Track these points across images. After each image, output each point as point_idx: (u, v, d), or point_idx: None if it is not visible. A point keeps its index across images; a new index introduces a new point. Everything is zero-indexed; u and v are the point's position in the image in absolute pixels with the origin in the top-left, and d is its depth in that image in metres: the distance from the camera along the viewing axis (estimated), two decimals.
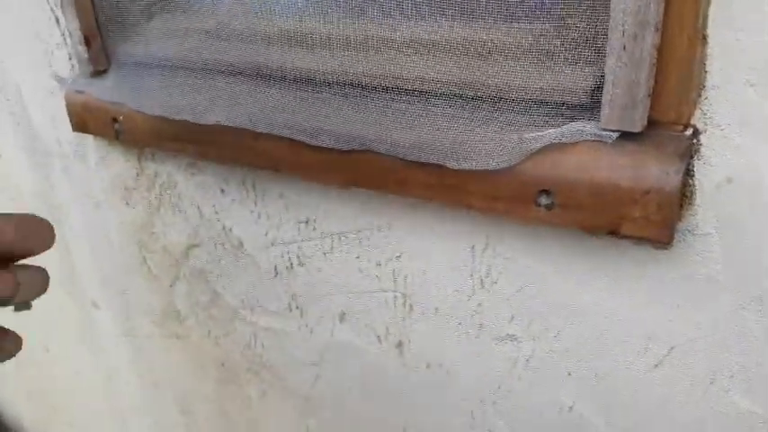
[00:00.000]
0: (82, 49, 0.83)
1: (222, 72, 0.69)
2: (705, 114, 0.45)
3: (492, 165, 0.50)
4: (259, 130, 0.62)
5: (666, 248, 0.49)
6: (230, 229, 0.81)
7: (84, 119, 0.86)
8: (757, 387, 0.49)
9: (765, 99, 0.42)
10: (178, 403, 1.06)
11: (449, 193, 0.54)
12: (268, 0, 0.64)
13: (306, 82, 0.63)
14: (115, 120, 0.80)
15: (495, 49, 0.53)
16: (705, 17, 0.43)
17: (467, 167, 0.51)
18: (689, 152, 0.45)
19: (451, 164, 0.52)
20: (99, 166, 0.94)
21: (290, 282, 0.77)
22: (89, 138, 0.93)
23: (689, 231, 0.48)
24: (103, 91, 0.81)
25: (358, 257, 0.68)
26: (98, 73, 0.84)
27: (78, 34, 0.82)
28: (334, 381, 0.79)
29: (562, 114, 0.50)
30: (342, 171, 0.60)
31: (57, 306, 1.20)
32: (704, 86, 0.45)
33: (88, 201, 1.00)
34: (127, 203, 0.93)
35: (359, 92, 0.59)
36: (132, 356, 1.11)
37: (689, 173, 0.46)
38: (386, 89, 0.58)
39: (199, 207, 0.83)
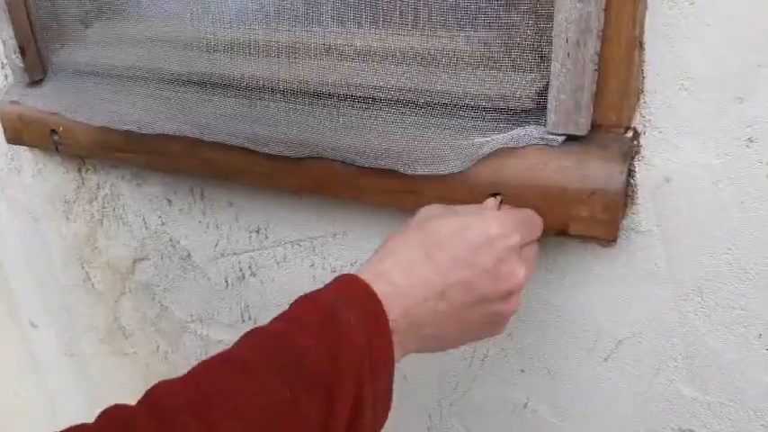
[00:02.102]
0: (16, 57, 0.79)
1: (167, 80, 0.68)
2: (644, 117, 0.47)
3: (445, 169, 0.51)
4: (207, 139, 0.61)
5: (611, 246, 0.51)
6: (178, 241, 0.79)
7: (18, 130, 0.82)
8: (699, 375, 0.51)
9: (699, 102, 0.45)
10: None
11: (403, 198, 0.55)
12: (213, 8, 0.63)
13: (254, 90, 0.62)
14: (54, 131, 0.78)
15: (442, 56, 0.54)
16: (642, 25, 0.45)
17: (421, 173, 0.52)
18: (630, 153, 0.48)
19: (405, 169, 0.52)
20: (36, 179, 0.90)
21: (241, 293, 0.76)
22: (24, 149, 0.89)
23: (632, 229, 0.50)
24: (40, 101, 0.78)
25: (313, 265, 0.68)
26: (34, 83, 0.81)
27: (12, 43, 0.79)
28: None
29: (510, 119, 0.51)
30: (294, 178, 0.60)
31: None
32: (642, 90, 0.47)
33: (25, 215, 0.96)
34: (67, 217, 0.90)
35: (308, 99, 0.60)
36: (77, 376, 1.07)
37: (630, 173, 0.48)
38: (336, 96, 0.58)
39: (144, 219, 0.81)
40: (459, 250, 0.42)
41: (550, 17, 0.48)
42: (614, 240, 0.48)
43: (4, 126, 0.83)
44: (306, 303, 0.41)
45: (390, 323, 0.40)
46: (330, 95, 0.58)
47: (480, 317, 0.44)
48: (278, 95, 0.61)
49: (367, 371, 0.38)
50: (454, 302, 0.42)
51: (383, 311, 0.40)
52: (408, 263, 0.42)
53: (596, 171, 0.47)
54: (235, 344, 0.39)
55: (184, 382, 0.37)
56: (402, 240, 0.44)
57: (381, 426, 0.41)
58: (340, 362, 0.37)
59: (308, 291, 0.68)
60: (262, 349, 0.38)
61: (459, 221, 0.44)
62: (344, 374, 0.37)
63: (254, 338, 0.40)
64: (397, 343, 0.40)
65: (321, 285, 0.67)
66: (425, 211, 0.47)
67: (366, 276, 0.42)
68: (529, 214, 0.48)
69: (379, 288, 0.41)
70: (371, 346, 0.39)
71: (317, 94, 0.59)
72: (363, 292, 0.41)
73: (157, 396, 0.36)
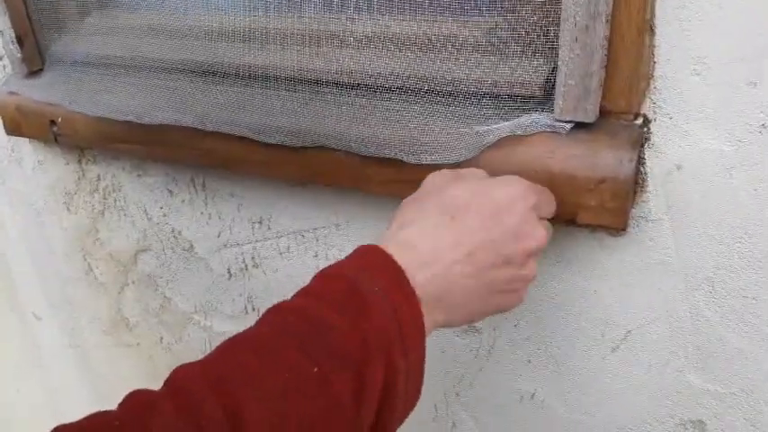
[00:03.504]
0: (14, 48, 0.78)
1: (167, 70, 0.67)
2: (654, 103, 0.46)
3: (450, 158, 0.50)
4: (208, 129, 0.61)
5: (621, 235, 0.50)
6: (180, 232, 0.78)
7: (17, 122, 0.81)
8: (710, 366, 0.50)
9: (711, 88, 0.44)
10: None
11: (407, 188, 0.54)
12: None
13: (255, 78, 0.61)
14: (53, 122, 0.77)
15: (447, 42, 0.53)
16: (652, 8, 0.44)
17: (425, 162, 0.51)
18: (640, 141, 0.47)
19: (410, 158, 0.51)
20: (36, 171, 0.90)
21: (245, 284, 0.75)
22: (24, 141, 0.88)
23: (642, 218, 0.49)
24: (39, 92, 0.77)
25: (316, 256, 0.67)
26: (32, 73, 0.80)
27: (10, 33, 0.78)
28: None
29: (516, 106, 0.50)
30: (296, 168, 0.59)
31: None
32: (652, 76, 0.46)
33: (26, 208, 0.95)
34: (68, 209, 0.89)
35: (310, 87, 0.58)
36: (79, 368, 1.07)
37: (640, 161, 0.47)
38: (338, 84, 0.57)
39: (146, 210, 0.80)
40: (484, 211, 0.42)
41: (557, 1, 0.46)
42: (624, 229, 0.47)
43: (2, 117, 0.83)
44: (326, 278, 0.40)
45: (417, 292, 0.39)
46: (333, 83, 0.57)
47: (504, 281, 0.43)
48: (279, 84, 0.60)
49: (397, 345, 0.37)
50: (481, 265, 0.41)
51: (407, 282, 0.39)
52: (434, 227, 0.41)
53: (605, 159, 0.46)
54: (255, 322, 0.38)
55: (204, 362, 0.36)
56: (422, 208, 0.43)
57: (412, 407, 0.40)
58: (368, 337, 0.36)
59: None
60: (283, 325, 0.37)
61: (480, 184, 0.44)
62: (373, 350, 0.36)
63: (274, 315, 0.38)
64: (426, 314, 0.39)
65: None
66: (437, 178, 0.46)
67: (388, 246, 0.40)
68: (545, 189, 0.47)
69: (403, 257, 0.39)
70: (399, 319, 0.37)
71: (319, 83, 0.58)
72: (386, 263, 0.39)
73: (178, 378, 0.35)
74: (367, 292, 0.38)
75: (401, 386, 0.37)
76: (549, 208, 0.47)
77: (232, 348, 0.37)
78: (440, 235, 0.41)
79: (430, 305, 0.40)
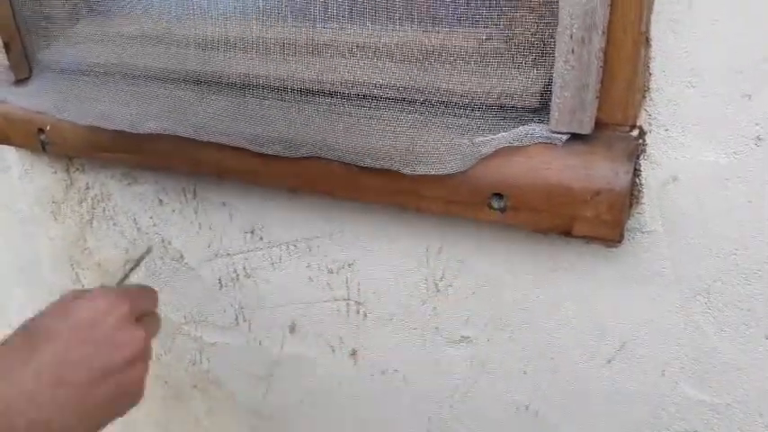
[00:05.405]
0: (1, 55, 0.77)
1: (159, 78, 0.66)
2: (650, 115, 0.46)
3: (445, 169, 0.50)
4: (203, 140, 0.60)
5: (616, 247, 0.50)
6: (170, 242, 0.77)
7: (4, 130, 0.80)
8: (706, 377, 0.50)
9: (707, 100, 0.44)
10: (120, 424, 1.01)
11: (402, 198, 0.54)
12: (205, 3, 0.62)
13: (249, 88, 0.61)
14: (41, 130, 0.76)
15: (442, 53, 0.53)
16: (648, 20, 0.44)
17: (421, 173, 0.51)
18: (636, 152, 0.47)
19: (405, 170, 0.51)
20: (23, 180, 0.88)
21: (236, 294, 0.74)
22: (11, 149, 0.87)
23: (637, 229, 0.49)
24: (26, 100, 0.76)
25: (308, 266, 0.66)
26: (19, 81, 0.79)
27: None
28: (286, 394, 0.77)
29: (512, 117, 0.50)
30: (289, 177, 0.59)
31: None
32: (648, 88, 0.46)
33: (12, 216, 0.93)
34: (56, 218, 0.88)
35: (305, 97, 0.58)
36: None
37: (636, 172, 0.47)
38: (333, 94, 0.57)
39: (135, 219, 0.79)
40: (69, 333, 0.43)
41: (553, 13, 0.47)
42: (620, 241, 0.47)
43: None
44: None
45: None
46: (327, 93, 0.57)
47: (110, 391, 0.45)
48: (273, 94, 0.59)
49: None
50: (76, 383, 0.42)
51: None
52: (9, 369, 0.41)
53: (601, 170, 0.46)
54: None
55: None
56: (7, 348, 0.44)
57: None
58: None
59: (303, 292, 0.68)
60: None
61: (63, 307, 0.45)
62: None
63: None
64: None
65: (317, 286, 0.66)
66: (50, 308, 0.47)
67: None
68: (142, 287, 0.50)
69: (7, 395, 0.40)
70: None
71: (314, 93, 0.57)
72: None
73: None
74: None
75: None
76: (149, 303, 0.50)
77: None
78: (15, 374, 0.41)
79: None
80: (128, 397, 0.47)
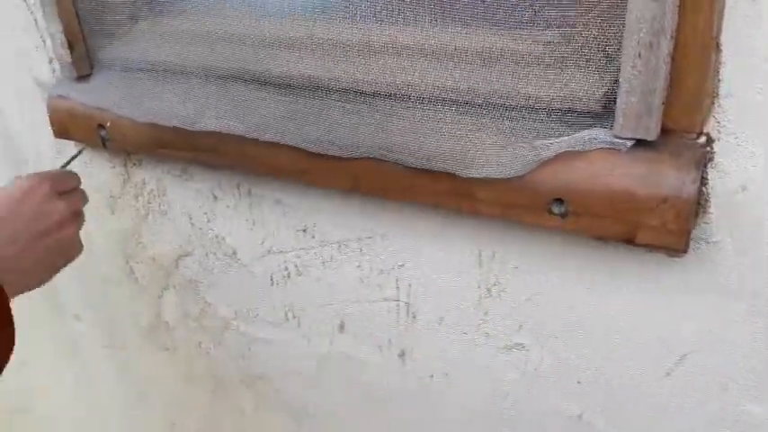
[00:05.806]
0: (64, 52, 0.80)
1: (218, 77, 0.67)
2: (719, 122, 0.45)
3: (505, 173, 0.49)
4: (262, 139, 0.61)
5: (680, 256, 0.48)
6: (223, 238, 0.79)
7: (66, 125, 0.83)
8: None
9: None
10: (167, 416, 1.04)
11: (457, 200, 0.54)
12: (268, 2, 0.62)
13: (307, 89, 0.61)
14: (101, 126, 0.78)
15: (503, 55, 0.52)
16: (719, 25, 0.43)
17: (476, 175, 0.50)
18: (703, 160, 0.45)
19: (463, 172, 0.51)
20: (82, 174, 0.90)
21: (286, 291, 0.75)
22: (70, 144, 0.89)
23: (702, 239, 0.47)
24: (88, 96, 0.79)
25: (359, 266, 0.67)
26: (81, 78, 0.81)
27: (60, 37, 0.79)
28: (332, 392, 0.78)
29: (574, 122, 0.49)
30: (344, 177, 0.59)
31: (35, 320, 1.16)
32: (717, 94, 0.45)
33: None
34: (112, 212, 0.90)
35: (364, 99, 0.58)
36: (118, 370, 1.08)
37: (703, 181, 0.46)
38: (392, 96, 0.57)
39: (190, 215, 0.81)
40: (5, 211, 0.57)
41: (619, 16, 0.46)
42: (685, 251, 0.46)
43: (51, 121, 0.84)
44: None
45: None
46: (385, 95, 0.57)
47: (50, 245, 0.59)
48: (332, 95, 0.59)
49: None
50: (26, 240, 0.57)
51: None
52: None
53: (667, 178, 0.45)
54: None
55: None
56: None
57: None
58: None
59: (353, 291, 0.68)
60: None
61: (12, 190, 0.59)
62: None
63: None
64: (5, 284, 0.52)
65: (368, 286, 0.67)
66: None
67: None
68: (63, 171, 0.67)
69: None
70: None
71: (372, 95, 0.57)
72: None
73: None
74: None
75: None
76: (71, 182, 0.65)
77: None
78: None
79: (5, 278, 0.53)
80: (64, 251, 0.61)
